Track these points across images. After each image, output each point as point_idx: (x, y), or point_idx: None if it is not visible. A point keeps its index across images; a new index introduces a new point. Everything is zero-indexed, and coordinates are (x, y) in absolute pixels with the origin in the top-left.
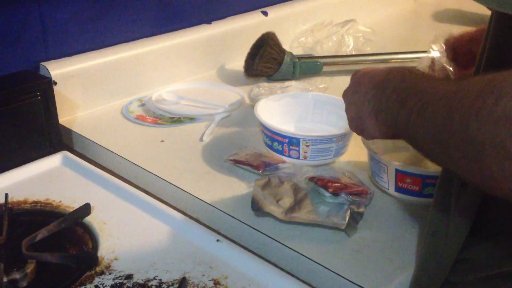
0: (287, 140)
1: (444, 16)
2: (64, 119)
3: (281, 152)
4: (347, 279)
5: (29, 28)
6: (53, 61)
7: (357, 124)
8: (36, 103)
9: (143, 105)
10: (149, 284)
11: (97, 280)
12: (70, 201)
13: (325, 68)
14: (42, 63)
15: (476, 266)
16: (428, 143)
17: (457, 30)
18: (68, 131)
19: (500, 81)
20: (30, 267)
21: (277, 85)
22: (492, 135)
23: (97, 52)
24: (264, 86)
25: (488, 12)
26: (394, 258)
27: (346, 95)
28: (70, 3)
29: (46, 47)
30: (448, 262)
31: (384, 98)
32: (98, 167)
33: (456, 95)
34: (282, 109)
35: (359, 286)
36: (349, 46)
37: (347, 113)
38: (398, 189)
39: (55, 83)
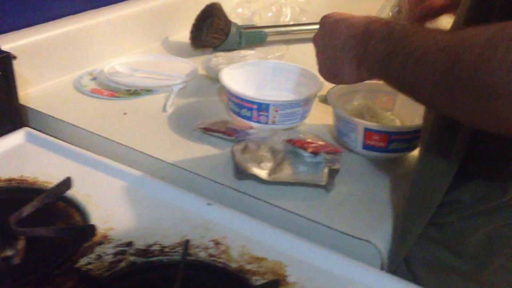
0: (256, 106)
1: None
2: None
3: (249, 118)
4: (337, 230)
5: None
6: None
7: (329, 70)
8: None
9: (94, 78)
10: (151, 249)
11: (98, 250)
12: (46, 177)
13: (268, 38)
14: None
15: (460, 207)
16: (427, 89)
17: None
18: (23, 108)
19: (510, 31)
20: (20, 244)
21: (234, 54)
22: (505, 83)
23: (43, 25)
24: (222, 55)
25: None
26: (372, 208)
27: (318, 40)
28: None
29: None
30: (431, 206)
31: (370, 48)
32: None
33: (461, 45)
34: (243, 77)
35: (351, 236)
36: (287, 16)
37: (318, 58)
38: (365, 146)
39: (15, 58)
